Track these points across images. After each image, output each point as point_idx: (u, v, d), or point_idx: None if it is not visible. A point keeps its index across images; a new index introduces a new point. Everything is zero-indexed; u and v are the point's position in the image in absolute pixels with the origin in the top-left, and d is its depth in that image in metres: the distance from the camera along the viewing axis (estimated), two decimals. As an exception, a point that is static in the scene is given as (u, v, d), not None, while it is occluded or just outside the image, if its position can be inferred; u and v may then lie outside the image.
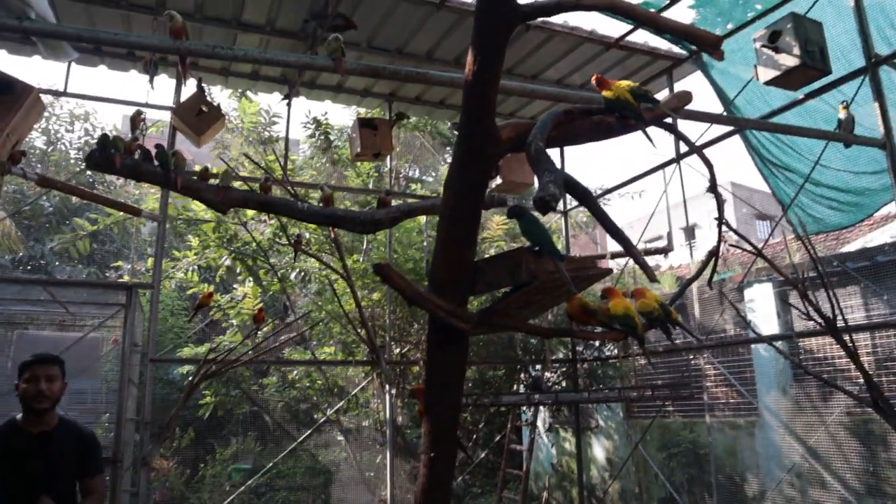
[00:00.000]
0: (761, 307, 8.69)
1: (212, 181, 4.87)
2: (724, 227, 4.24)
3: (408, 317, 9.32)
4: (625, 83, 3.14)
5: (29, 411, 3.15)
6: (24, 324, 9.68)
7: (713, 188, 3.95)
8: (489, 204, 6.03)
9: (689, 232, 20.22)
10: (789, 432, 8.08)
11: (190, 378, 7.62)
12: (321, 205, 5.92)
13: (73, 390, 8.71)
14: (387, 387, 7.73)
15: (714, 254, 4.30)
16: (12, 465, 3.05)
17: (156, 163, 4.34)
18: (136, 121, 5.48)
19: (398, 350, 9.46)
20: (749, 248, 5.09)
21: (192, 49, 4.28)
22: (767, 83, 5.76)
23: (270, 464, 8.31)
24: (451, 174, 2.57)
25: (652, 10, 6.40)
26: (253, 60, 4.99)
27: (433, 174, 16.22)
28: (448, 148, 16.31)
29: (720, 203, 4.07)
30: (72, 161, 16.15)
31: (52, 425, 3.21)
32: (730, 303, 6.60)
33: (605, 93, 3.03)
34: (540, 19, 6.92)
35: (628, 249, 2.45)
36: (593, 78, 3.10)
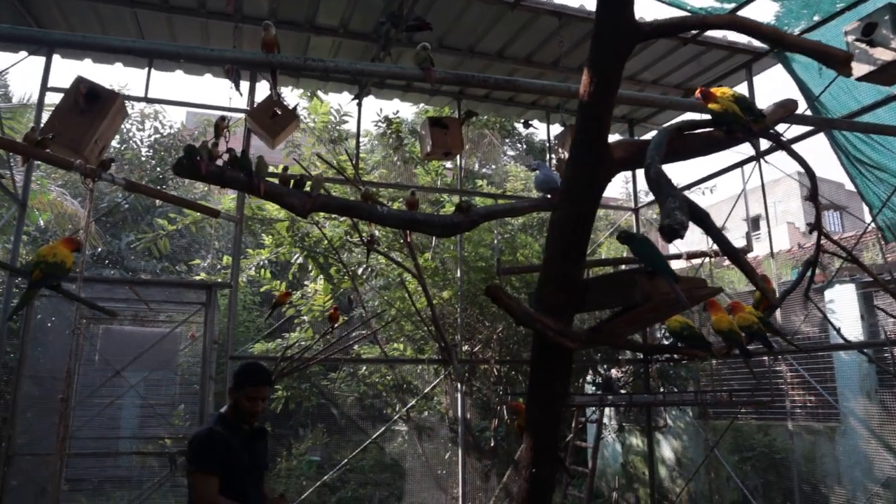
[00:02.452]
0: (843, 309, 8.33)
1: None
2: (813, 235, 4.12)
3: (478, 315, 9.33)
4: (729, 92, 3.05)
5: (242, 418, 3.39)
6: (109, 320, 10.08)
7: (814, 197, 3.83)
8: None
9: (753, 223, 19.61)
10: (878, 440, 7.75)
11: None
12: (404, 207, 5.98)
13: (151, 381, 9.09)
14: (458, 385, 7.78)
15: (812, 263, 4.17)
16: (236, 459, 3.26)
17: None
18: (220, 127, 5.59)
19: (467, 348, 9.49)
20: (844, 254, 4.90)
21: (283, 62, 4.34)
22: (860, 79, 5.49)
23: (345, 460, 8.48)
24: (563, 196, 2.55)
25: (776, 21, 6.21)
26: (345, 71, 4.97)
27: (492, 167, 16.17)
28: (509, 140, 16.21)
29: (819, 212, 3.94)
30: (143, 158, 16.76)
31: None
32: (818, 309, 6.36)
33: (711, 105, 2.95)
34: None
35: (749, 276, 2.39)
36: (698, 91, 3.03)
